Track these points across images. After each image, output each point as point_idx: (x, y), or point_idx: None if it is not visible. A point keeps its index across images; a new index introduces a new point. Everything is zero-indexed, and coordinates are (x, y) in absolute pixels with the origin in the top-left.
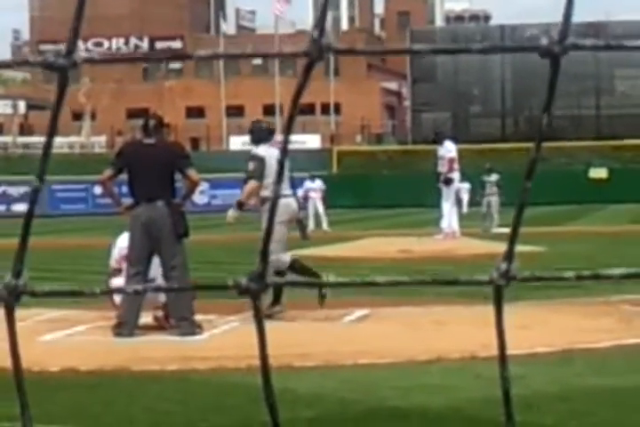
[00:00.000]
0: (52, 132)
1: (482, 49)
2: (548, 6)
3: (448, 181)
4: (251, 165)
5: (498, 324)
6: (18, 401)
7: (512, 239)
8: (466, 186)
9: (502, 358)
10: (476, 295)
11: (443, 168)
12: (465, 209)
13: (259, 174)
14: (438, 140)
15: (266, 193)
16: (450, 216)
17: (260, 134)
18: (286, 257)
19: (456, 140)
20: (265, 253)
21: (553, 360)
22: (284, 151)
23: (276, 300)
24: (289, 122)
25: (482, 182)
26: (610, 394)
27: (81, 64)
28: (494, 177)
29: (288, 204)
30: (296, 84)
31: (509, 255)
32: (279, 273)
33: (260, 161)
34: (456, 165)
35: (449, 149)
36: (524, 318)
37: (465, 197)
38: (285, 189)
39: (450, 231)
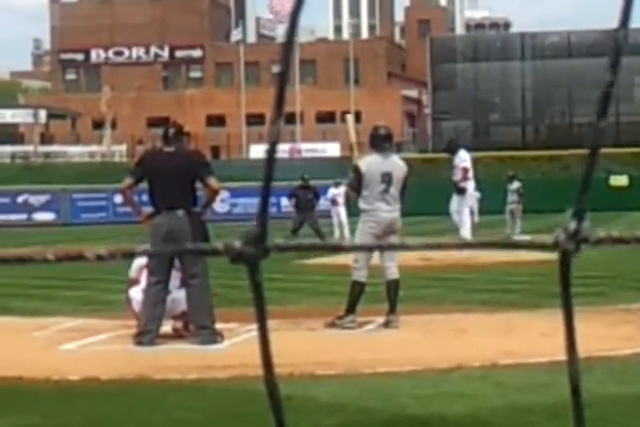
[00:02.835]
0: None
1: None
2: (569, 14)
3: (461, 191)
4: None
5: (565, 302)
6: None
7: (583, 191)
8: (477, 195)
9: (571, 346)
10: (497, 303)
11: (456, 177)
12: (477, 218)
13: (356, 185)
14: (451, 150)
15: (362, 204)
16: (466, 224)
17: (373, 140)
18: (360, 273)
19: (469, 149)
20: (264, 213)
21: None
22: (270, 162)
23: (350, 309)
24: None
25: (505, 190)
26: (631, 401)
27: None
28: (516, 185)
29: (383, 218)
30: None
31: (579, 211)
32: (354, 285)
33: (357, 172)
34: (470, 174)
35: (463, 159)
36: (547, 326)
37: (476, 206)
38: (388, 204)
39: (469, 239)
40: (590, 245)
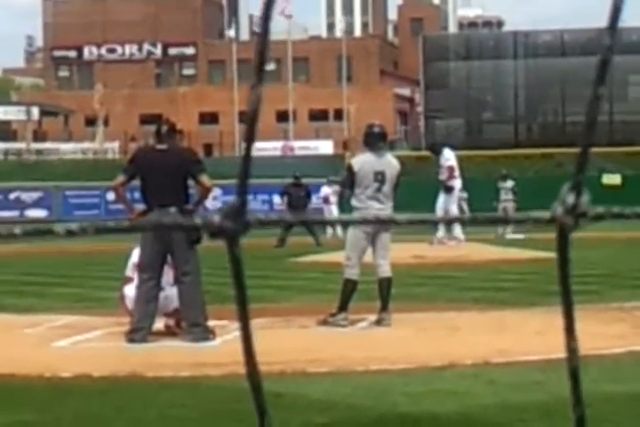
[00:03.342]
0: None
1: None
2: (561, 13)
3: (449, 189)
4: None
5: (562, 279)
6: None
7: (582, 164)
8: (464, 195)
9: (569, 327)
10: (490, 301)
11: (443, 176)
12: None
13: (349, 183)
14: (435, 151)
15: (354, 202)
16: (455, 224)
17: (367, 138)
18: (352, 270)
19: (453, 148)
20: (243, 186)
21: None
22: (251, 131)
23: (342, 307)
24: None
25: (497, 189)
26: (625, 400)
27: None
28: (510, 183)
29: (376, 216)
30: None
31: (578, 186)
32: (346, 282)
33: (350, 170)
34: (456, 173)
35: (447, 158)
36: (540, 324)
37: (465, 207)
38: (381, 202)
39: (462, 237)
40: (588, 221)
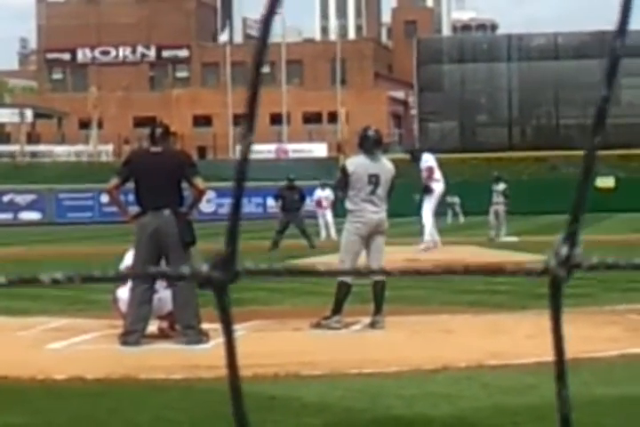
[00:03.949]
0: None
1: None
2: (554, 16)
3: (428, 190)
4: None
5: (555, 330)
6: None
7: (576, 215)
8: (456, 200)
9: (560, 374)
10: (483, 304)
11: (422, 177)
12: (462, 220)
13: (341, 185)
14: (415, 158)
15: (348, 205)
16: (431, 227)
17: (362, 142)
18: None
19: (433, 151)
20: (233, 235)
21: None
22: (240, 181)
23: (336, 310)
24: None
25: (491, 191)
26: (617, 403)
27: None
28: (501, 186)
29: (369, 219)
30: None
31: (571, 234)
32: (340, 285)
33: (344, 172)
34: (436, 175)
35: (425, 160)
36: (532, 328)
37: (459, 210)
38: (375, 205)
39: (431, 241)
40: (583, 270)
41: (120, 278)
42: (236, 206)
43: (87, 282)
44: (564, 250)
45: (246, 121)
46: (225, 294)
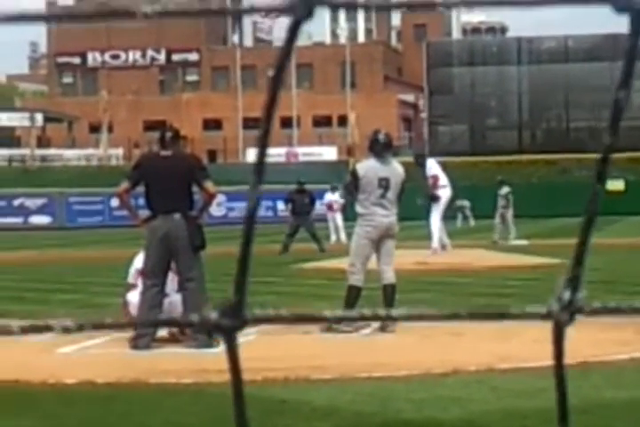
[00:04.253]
0: None
1: None
2: (564, 19)
3: (434, 198)
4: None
5: (557, 368)
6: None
7: (579, 259)
8: (466, 203)
9: (563, 416)
10: (493, 307)
11: (428, 187)
12: (472, 223)
13: (351, 189)
14: (420, 164)
15: (359, 208)
16: (440, 233)
17: (373, 146)
18: (356, 277)
19: (442, 155)
20: (241, 282)
21: (571, 373)
22: (250, 223)
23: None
24: (270, 103)
25: (495, 196)
26: (627, 406)
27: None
28: (504, 190)
29: (380, 222)
30: (279, 55)
31: (574, 278)
32: (350, 288)
33: (354, 175)
34: (442, 182)
35: (429, 167)
36: (542, 331)
37: (469, 214)
38: (385, 208)
39: (438, 247)
40: (585, 315)
41: (130, 326)
42: (246, 250)
43: (98, 329)
44: (567, 295)
45: (263, 132)
46: (233, 340)
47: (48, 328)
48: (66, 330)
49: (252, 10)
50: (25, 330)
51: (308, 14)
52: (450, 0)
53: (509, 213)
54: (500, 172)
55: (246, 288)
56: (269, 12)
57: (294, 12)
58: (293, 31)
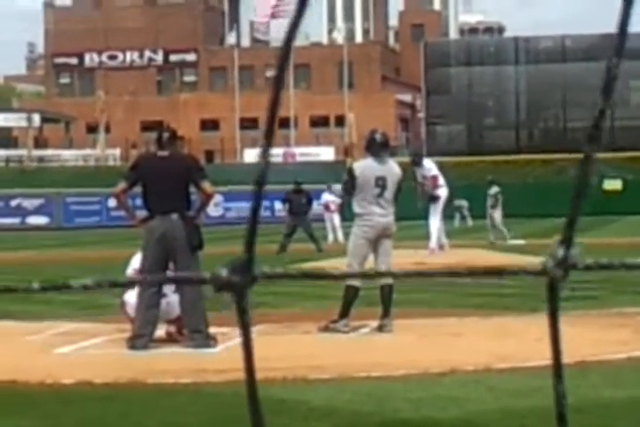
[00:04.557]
0: None
1: None
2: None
3: (434, 199)
4: (343, 178)
5: (552, 328)
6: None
7: (573, 218)
8: (464, 203)
9: (557, 371)
10: (491, 307)
11: (428, 187)
12: (470, 222)
13: (348, 188)
14: (417, 163)
15: (356, 208)
16: (439, 233)
17: (369, 146)
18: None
19: (440, 155)
20: (251, 239)
21: (569, 372)
22: (258, 192)
23: (344, 313)
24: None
25: (484, 196)
26: (626, 406)
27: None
28: (494, 190)
29: (377, 222)
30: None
31: (567, 238)
32: (348, 288)
33: (350, 175)
34: (440, 182)
35: (428, 168)
36: (540, 330)
37: (467, 213)
38: (383, 208)
39: (436, 247)
40: (580, 270)
41: (152, 283)
42: (254, 213)
43: (117, 286)
44: (561, 252)
45: (267, 132)
46: (244, 297)
47: (68, 287)
48: (85, 287)
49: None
50: (45, 288)
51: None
52: None
53: (497, 214)
54: (497, 171)
55: (255, 247)
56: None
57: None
58: (290, 36)
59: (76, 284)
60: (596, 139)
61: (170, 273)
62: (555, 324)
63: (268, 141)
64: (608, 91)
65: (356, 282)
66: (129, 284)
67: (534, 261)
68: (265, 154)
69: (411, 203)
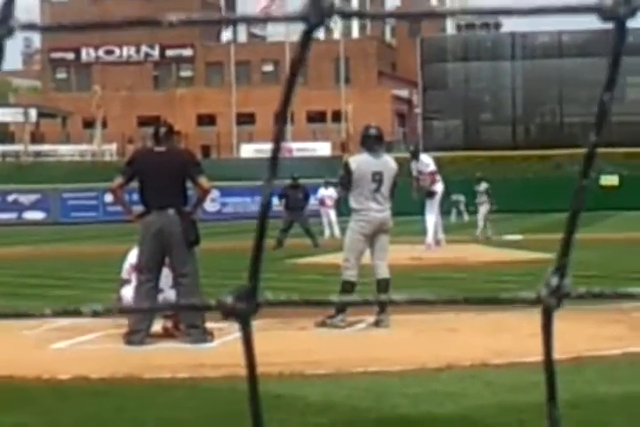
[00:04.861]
0: None
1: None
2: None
3: (431, 194)
4: (339, 173)
5: (546, 353)
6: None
7: (566, 248)
8: (461, 198)
9: (551, 395)
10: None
11: (425, 182)
12: (466, 218)
13: (345, 183)
14: (416, 157)
15: (353, 203)
16: (435, 228)
17: (364, 140)
18: (350, 272)
19: (436, 150)
20: (256, 267)
21: (564, 368)
22: (274, 155)
23: (340, 309)
24: (286, 99)
25: (474, 192)
26: (620, 402)
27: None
28: (483, 186)
29: (374, 217)
30: (293, 57)
31: (561, 266)
32: (344, 284)
33: (346, 169)
34: (438, 177)
35: (426, 164)
36: (537, 326)
37: (463, 208)
38: (379, 203)
39: (432, 243)
40: (571, 299)
41: (158, 310)
42: (260, 239)
43: (126, 313)
44: (555, 281)
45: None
46: (248, 325)
47: (79, 312)
48: (96, 313)
49: (268, 19)
50: (57, 313)
51: (321, 22)
52: (449, 9)
53: (484, 209)
54: (493, 167)
55: (259, 274)
56: (284, 20)
57: (307, 20)
58: (306, 39)
59: (86, 309)
60: (587, 174)
61: (166, 269)
62: (549, 354)
63: (273, 171)
64: (600, 125)
65: (352, 277)
66: (135, 310)
67: (529, 256)
68: (269, 181)
69: (407, 198)
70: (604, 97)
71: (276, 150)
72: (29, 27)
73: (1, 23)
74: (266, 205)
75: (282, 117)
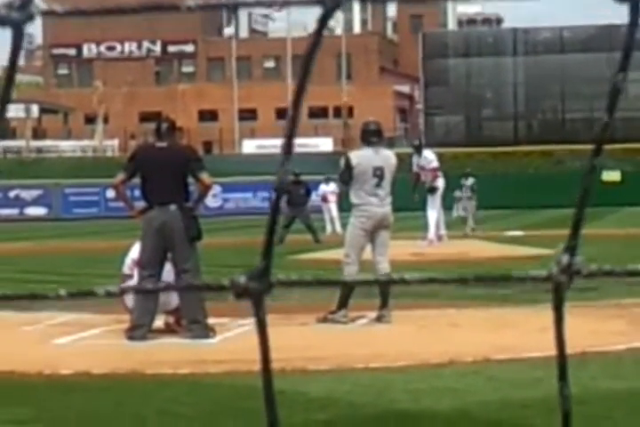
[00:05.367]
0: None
1: None
2: (559, 10)
3: (433, 190)
4: (339, 168)
5: (557, 331)
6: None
7: (576, 227)
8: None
9: (562, 374)
10: (490, 298)
11: (426, 178)
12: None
13: (346, 178)
14: (419, 151)
15: (353, 199)
16: (437, 223)
17: (363, 135)
18: (351, 268)
19: (438, 146)
20: (268, 247)
21: (569, 363)
22: (288, 149)
23: (342, 304)
24: (299, 92)
25: (460, 186)
26: (624, 397)
27: (38, 17)
28: (470, 181)
29: (374, 213)
30: (309, 44)
31: (572, 246)
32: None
33: (347, 164)
34: (439, 173)
35: (430, 160)
36: (540, 321)
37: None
38: (380, 198)
39: (434, 238)
40: (582, 277)
41: (170, 289)
42: (272, 222)
43: (140, 293)
44: (565, 259)
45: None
46: (260, 304)
47: (93, 294)
48: (109, 294)
49: (285, 3)
50: (72, 295)
51: (337, 6)
52: None
53: (471, 204)
54: (495, 163)
55: (272, 254)
56: (300, 4)
57: (324, 4)
58: (322, 22)
59: (100, 290)
60: (599, 152)
61: (168, 264)
62: (560, 331)
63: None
64: (612, 107)
65: (354, 273)
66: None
67: (529, 252)
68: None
69: (408, 194)
70: (617, 77)
71: (292, 129)
72: (49, 13)
73: (21, 9)
74: (280, 187)
75: (299, 95)
